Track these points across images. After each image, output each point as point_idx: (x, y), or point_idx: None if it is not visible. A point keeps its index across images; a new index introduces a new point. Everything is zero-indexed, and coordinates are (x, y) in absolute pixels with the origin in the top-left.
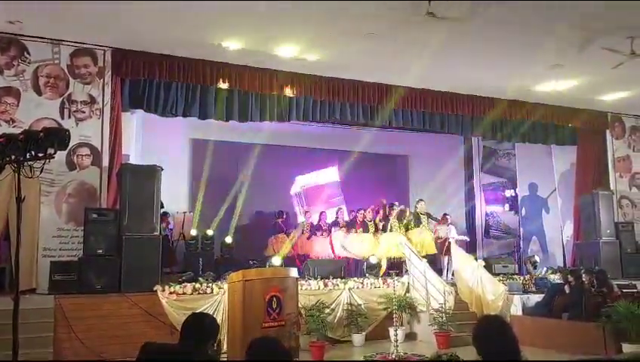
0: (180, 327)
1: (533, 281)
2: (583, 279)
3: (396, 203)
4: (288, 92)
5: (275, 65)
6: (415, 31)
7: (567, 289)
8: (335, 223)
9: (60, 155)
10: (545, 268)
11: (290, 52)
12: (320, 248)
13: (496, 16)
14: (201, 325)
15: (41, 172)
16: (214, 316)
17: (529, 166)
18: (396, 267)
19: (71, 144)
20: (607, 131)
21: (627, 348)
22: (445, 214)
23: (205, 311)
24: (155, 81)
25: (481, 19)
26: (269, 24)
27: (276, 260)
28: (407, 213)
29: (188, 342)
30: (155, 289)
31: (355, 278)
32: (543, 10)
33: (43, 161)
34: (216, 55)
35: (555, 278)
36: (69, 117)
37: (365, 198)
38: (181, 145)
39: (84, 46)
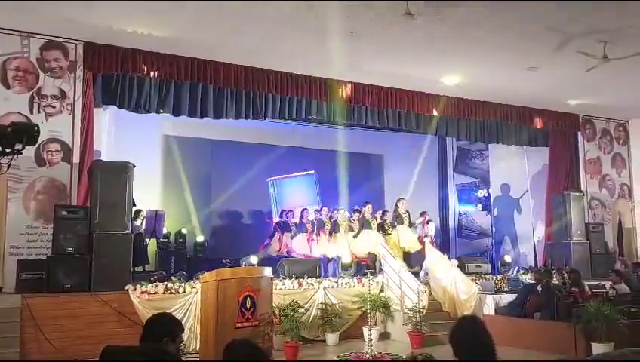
0: (143, 327)
1: (506, 281)
2: (555, 279)
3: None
4: (264, 89)
5: (252, 62)
6: (392, 31)
7: (539, 289)
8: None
9: (29, 151)
10: (517, 268)
11: (268, 49)
12: (301, 247)
13: (471, 18)
14: (162, 325)
15: (8, 168)
16: (185, 315)
17: (502, 167)
18: (368, 266)
19: (40, 139)
20: (579, 133)
21: (596, 347)
22: (424, 212)
23: (176, 311)
24: (128, 76)
25: (457, 21)
26: (245, 19)
27: (253, 259)
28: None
29: (149, 342)
30: (126, 288)
31: (330, 278)
32: (518, 12)
33: (10, 157)
34: (191, 50)
35: (527, 278)
36: (39, 112)
37: (340, 197)
38: (154, 142)
39: (55, 39)
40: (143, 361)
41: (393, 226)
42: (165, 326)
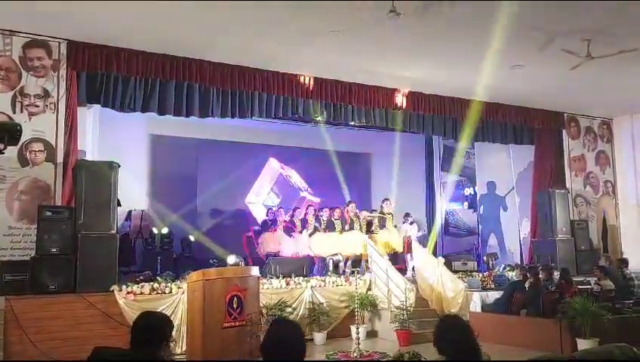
0: (132, 329)
1: (492, 278)
2: (540, 276)
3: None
4: (250, 88)
5: (238, 61)
6: (378, 29)
7: (527, 286)
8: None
9: (12, 151)
10: (503, 266)
11: (255, 48)
12: (291, 245)
13: (456, 17)
14: (154, 328)
15: None
16: (171, 315)
17: (488, 165)
18: (357, 264)
19: (23, 139)
20: (564, 131)
21: (582, 343)
22: (407, 213)
23: (163, 312)
24: (113, 74)
25: (442, 19)
26: (231, 18)
27: (231, 259)
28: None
29: (139, 344)
30: (111, 289)
31: (318, 276)
32: (503, 11)
33: None
34: (176, 49)
35: (513, 275)
36: (22, 111)
37: (327, 196)
38: (139, 141)
39: (38, 37)
40: None
41: (382, 226)
42: (158, 330)
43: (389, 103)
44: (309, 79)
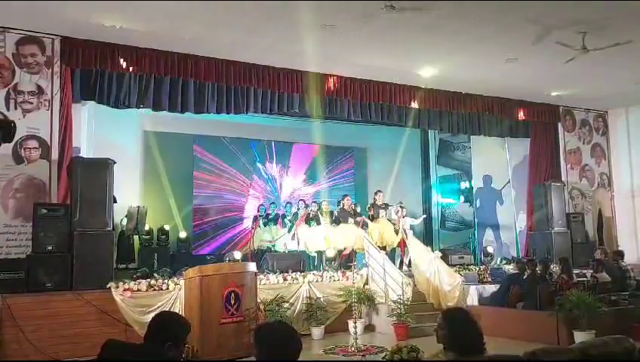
0: (147, 326)
1: (489, 272)
2: (537, 269)
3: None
4: (245, 83)
5: (233, 56)
6: (372, 23)
7: (525, 278)
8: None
9: (6, 148)
10: (499, 259)
11: (250, 43)
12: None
13: (452, 10)
14: (165, 327)
15: None
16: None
17: (483, 158)
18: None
19: (18, 136)
20: (559, 124)
21: (578, 335)
22: (400, 204)
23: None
24: (107, 71)
25: (438, 13)
26: (226, 12)
27: (237, 254)
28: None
29: (149, 341)
30: (108, 286)
31: (315, 271)
32: (497, 3)
33: None
34: (171, 45)
35: (510, 268)
36: (16, 108)
37: (323, 190)
38: (134, 138)
39: (31, 34)
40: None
41: (371, 218)
42: (169, 330)
43: (384, 97)
44: (305, 74)
